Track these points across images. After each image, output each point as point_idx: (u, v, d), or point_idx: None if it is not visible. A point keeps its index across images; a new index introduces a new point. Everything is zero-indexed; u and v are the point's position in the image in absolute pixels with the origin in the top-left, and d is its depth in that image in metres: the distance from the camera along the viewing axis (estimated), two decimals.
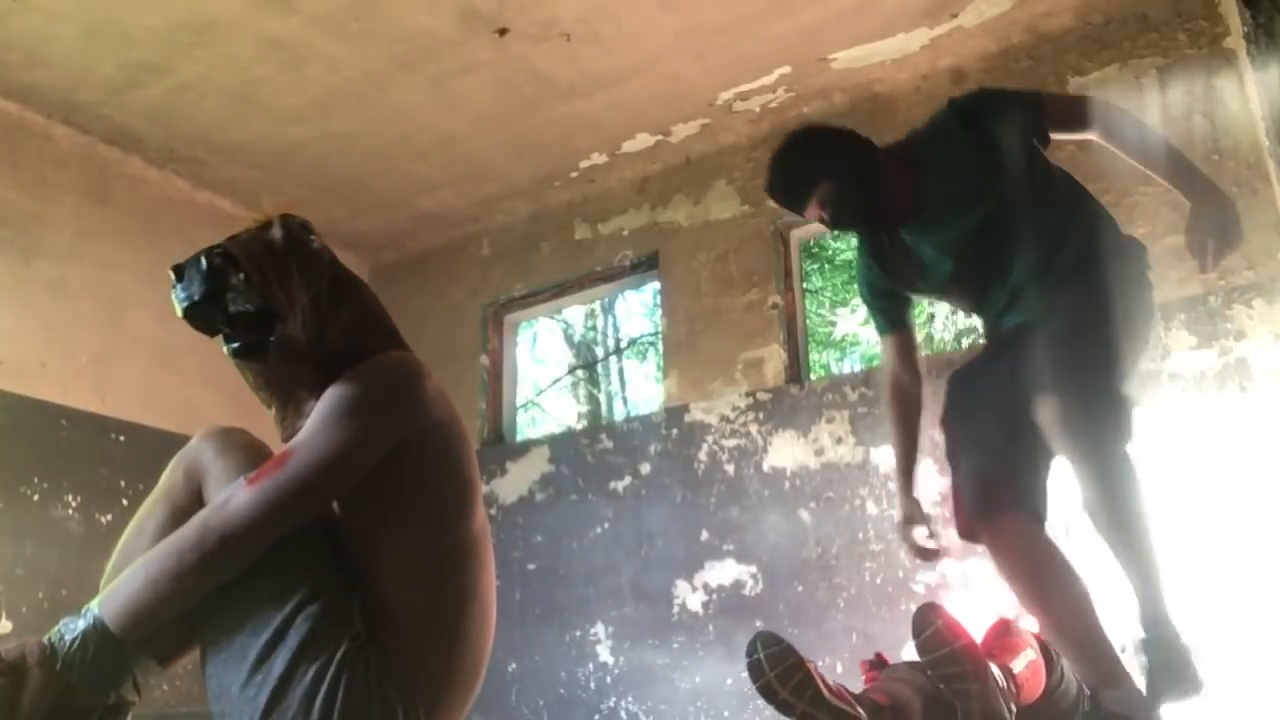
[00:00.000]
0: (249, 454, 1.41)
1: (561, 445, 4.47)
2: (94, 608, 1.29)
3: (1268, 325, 2.97)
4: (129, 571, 1.30)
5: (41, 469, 3.71)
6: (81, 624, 1.28)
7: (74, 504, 3.79)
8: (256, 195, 4.61)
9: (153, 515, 1.42)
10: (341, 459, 1.31)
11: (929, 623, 1.92)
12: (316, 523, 1.40)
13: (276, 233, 1.49)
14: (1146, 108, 3.35)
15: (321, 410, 1.34)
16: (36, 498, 3.69)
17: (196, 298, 1.43)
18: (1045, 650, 2.26)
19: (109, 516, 3.87)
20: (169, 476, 1.45)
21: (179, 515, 1.36)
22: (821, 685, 1.84)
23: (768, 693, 1.86)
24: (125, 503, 3.92)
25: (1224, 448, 2.93)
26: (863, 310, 9.93)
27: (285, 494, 1.28)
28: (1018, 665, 2.10)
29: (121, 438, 3.98)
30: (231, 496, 1.28)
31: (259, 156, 4.32)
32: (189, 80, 3.77)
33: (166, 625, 1.30)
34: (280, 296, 1.42)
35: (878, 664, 2.24)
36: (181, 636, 1.36)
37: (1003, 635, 2.25)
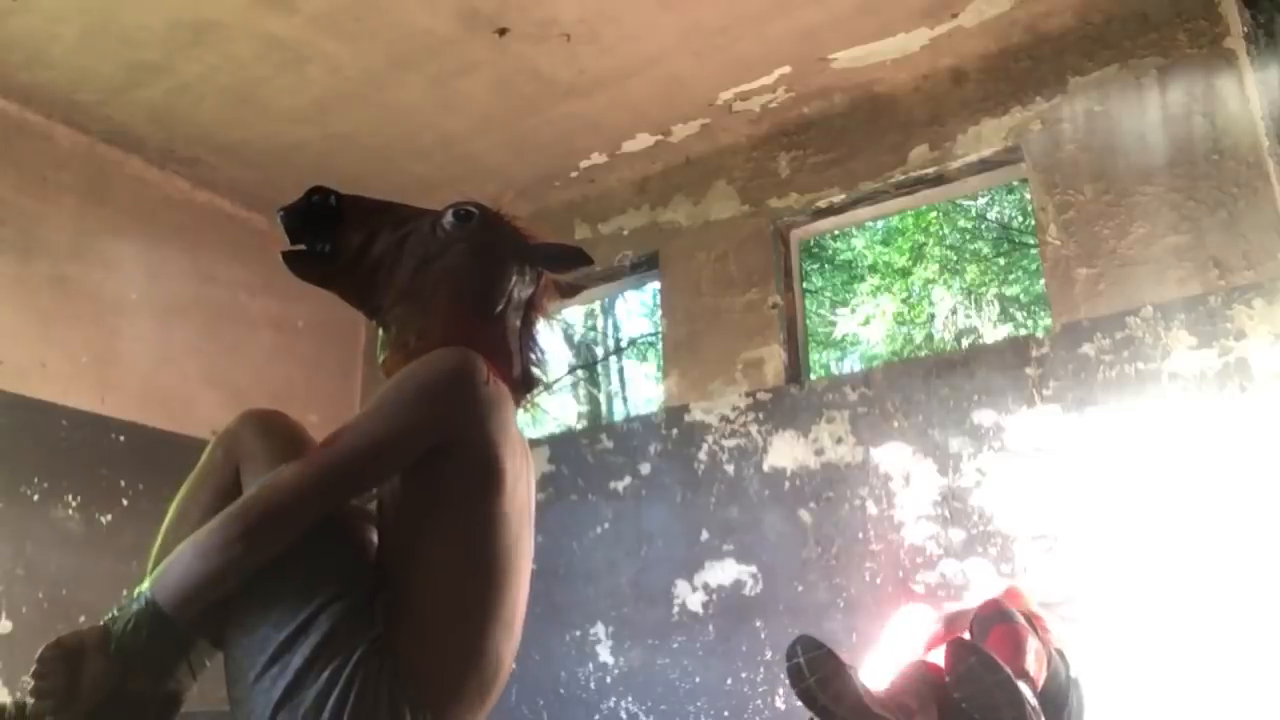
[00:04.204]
0: (288, 436, 1.43)
1: (561, 445, 4.47)
2: (146, 589, 1.30)
3: (1268, 325, 2.97)
4: (178, 550, 1.31)
5: (41, 469, 3.71)
6: (135, 606, 1.30)
7: (74, 504, 3.79)
8: (256, 195, 4.61)
9: (194, 497, 1.44)
10: (391, 444, 1.32)
11: (963, 660, 1.93)
12: (353, 520, 1.41)
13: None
14: (1146, 108, 3.35)
15: (378, 396, 1.36)
16: (36, 498, 3.68)
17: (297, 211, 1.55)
18: (1033, 625, 2.27)
19: (109, 516, 3.87)
20: (209, 458, 1.47)
21: (222, 495, 1.39)
22: (862, 692, 1.84)
23: (808, 698, 1.86)
24: (125, 503, 3.92)
25: (1224, 448, 2.93)
26: (863, 310, 9.96)
27: (332, 471, 1.30)
28: (1030, 663, 2.11)
29: (121, 438, 3.98)
30: (280, 473, 1.30)
31: (259, 156, 4.31)
32: (189, 80, 3.77)
33: (217, 605, 1.30)
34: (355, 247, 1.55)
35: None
36: None
37: (1001, 624, 2.23)
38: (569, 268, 1.65)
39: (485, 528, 1.36)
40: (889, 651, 2.43)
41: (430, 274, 1.54)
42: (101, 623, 1.30)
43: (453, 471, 1.35)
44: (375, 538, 1.45)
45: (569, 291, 1.73)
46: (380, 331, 1.58)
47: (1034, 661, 2.13)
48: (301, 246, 1.55)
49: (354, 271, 1.56)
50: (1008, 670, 1.94)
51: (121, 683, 1.28)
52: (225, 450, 1.45)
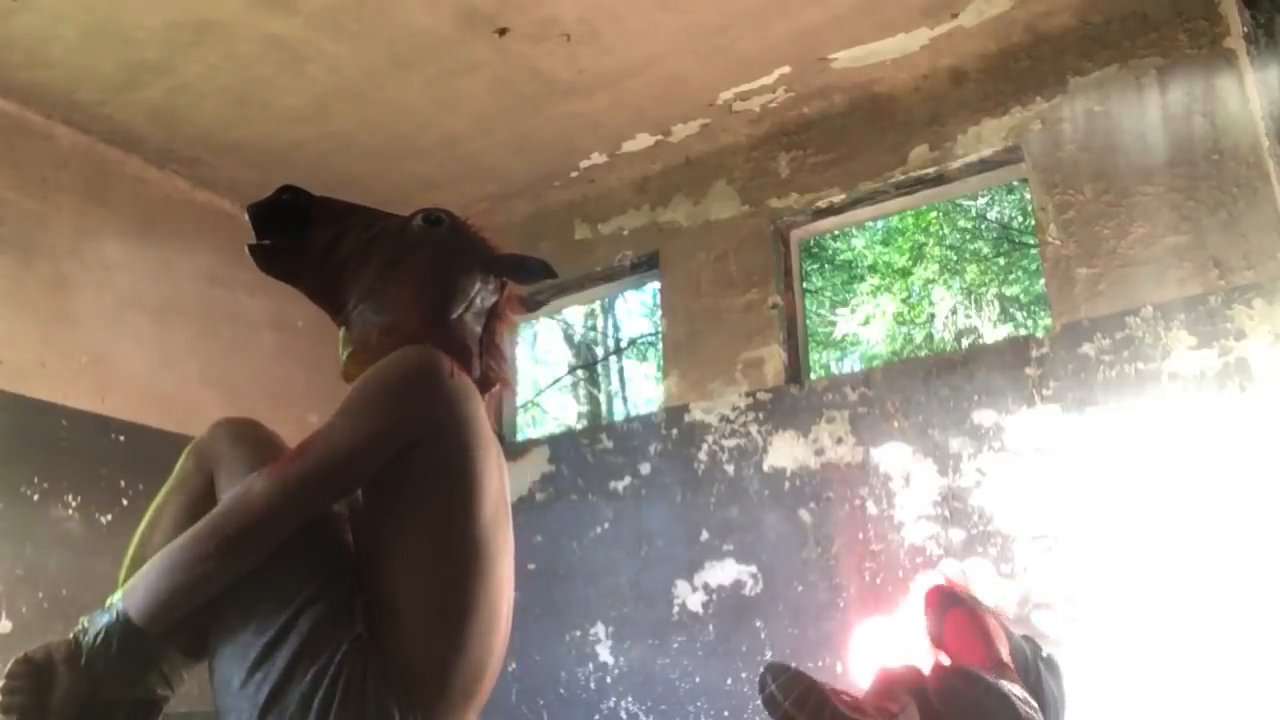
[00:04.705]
0: (261, 445, 1.43)
1: (561, 445, 4.47)
2: (117, 601, 1.30)
3: (1268, 325, 2.97)
4: (150, 563, 1.31)
5: (41, 469, 3.71)
6: (105, 618, 1.29)
7: (74, 504, 3.78)
8: (256, 195, 4.59)
9: (167, 507, 1.44)
10: (361, 450, 1.32)
11: (946, 684, 1.94)
12: (328, 522, 1.40)
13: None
14: (1146, 108, 3.35)
15: (345, 401, 1.36)
16: (36, 498, 3.68)
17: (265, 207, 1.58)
18: (992, 613, 2.29)
19: (109, 516, 3.87)
20: (182, 467, 1.47)
21: (193, 505, 1.39)
22: (839, 704, 1.86)
23: None
24: (125, 503, 3.92)
25: (1224, 448, 2.93)
26: (863, 310, 9.96)
27: (305, 483, 1.30)
28: (1001, 648, 2.12)
29: (121, 438, 3.98)
30: (251, 485, 1.30)
31: (259, 156, 4.31)
32: (189, 80, 3.77)
33: (190, 616, 1.30)
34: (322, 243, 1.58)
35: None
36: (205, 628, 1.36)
37: (955, 608, 2.24)
38: (531, 279, 1.67)
39: (459, 520, 1.36)
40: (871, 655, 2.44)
41: (395, 273, 1.56)
42: (71, 635, 1.30)
43: (423, 466, 1.35)
44: (351, 538, 1.44)
45: (532, 306, 1.74)
46: (341, 332, 1.60)
47: (1000, 644, 2.14)
48: (268, 242, 1.58)
49: (320, 268, 1.58)
50: (987, 678, 1.95)
51: (92, 695, 1.27)
52: (197, 460, 1.45)
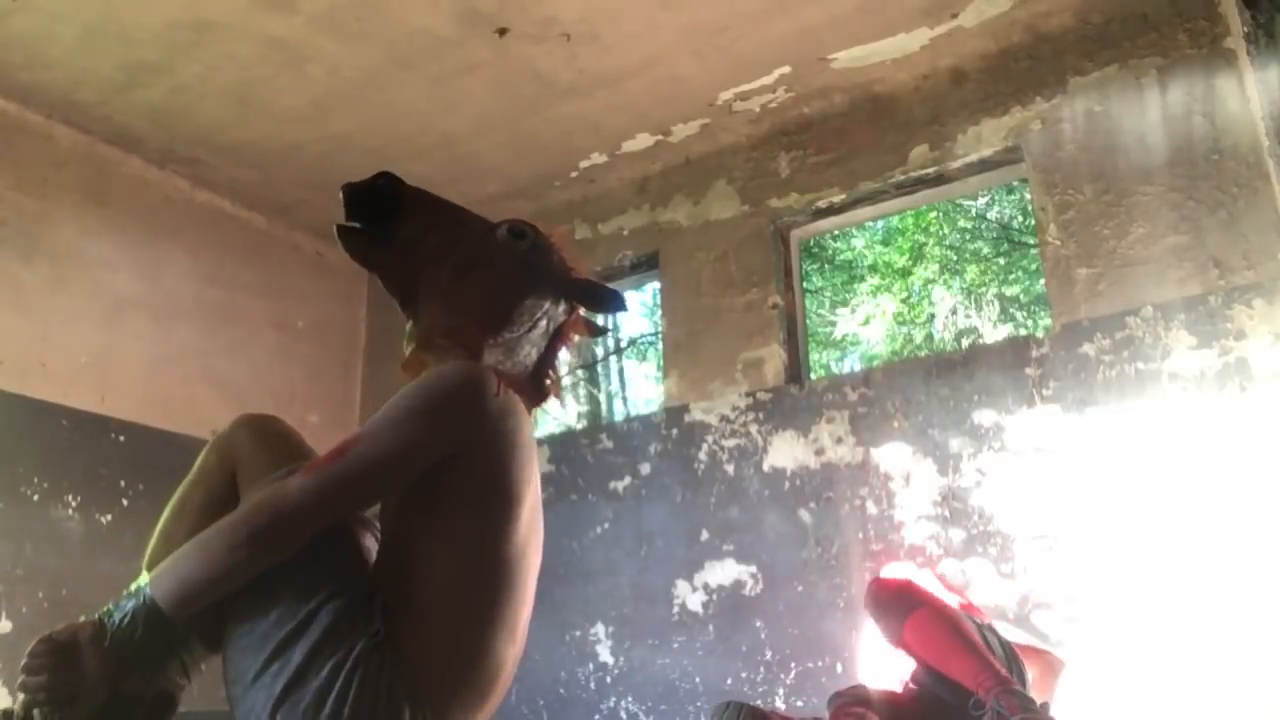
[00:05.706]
0: (283, 442, 1.45)
1: (561, 445, 4.47)
2: (145, 586, 1.31)
3: (1268, 325, 2.97)
4: (179, 552, 1.32)
5: (41, 469, 3.71)
6: (132, 602, 1.30)
7: (74, 504, 3.79)
8: (256, 195, 4.61)
9: (189, 500, 1.46)
10: (399, 458, 1.34)
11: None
12: (350, 523, 1.42)
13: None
14: (1146, 108, 3.35)
15: (387, 408, 1.38)
16: (36, 498, 3.68)
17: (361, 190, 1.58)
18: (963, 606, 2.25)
19: (109, 516, 3.87)
20: (204, 461, 1.49)
21: (214, 499, 1.41)
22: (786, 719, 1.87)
23: None
24: (125, 503, 3.92)
25: (1224, 448, 2.93)
26: (863, 310, 9.96)
27: (341, 483, 1.32)
28: (994, 659, 2.05)
29: (121, 438, 3.98)
30: (287, 481, 1.31)
31: (259, 156, 4.32)
32: (189, 80, 3.77)
33: (212, 606, 1.32)
34: (408, 237, 1.58)
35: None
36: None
37: (912, 613, 2.07)
38: (603, 310, 1.68)
39: (490, 537, 1.38)
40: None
41: (468, 279, 1.57)
42: (95, 617, 1.30)
43: (459, 480, 1.36)
44: (372, 542, 1.46)
45: (597, 331, 1.75)
46: (408, 325, 1.61)
47: (989, 654, 2.01)
48: (357, 225, 1.59)
49: (401, 259, 1.59)
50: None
51: (115, 679, 1.28)
52: (220, 455, 1.46)
